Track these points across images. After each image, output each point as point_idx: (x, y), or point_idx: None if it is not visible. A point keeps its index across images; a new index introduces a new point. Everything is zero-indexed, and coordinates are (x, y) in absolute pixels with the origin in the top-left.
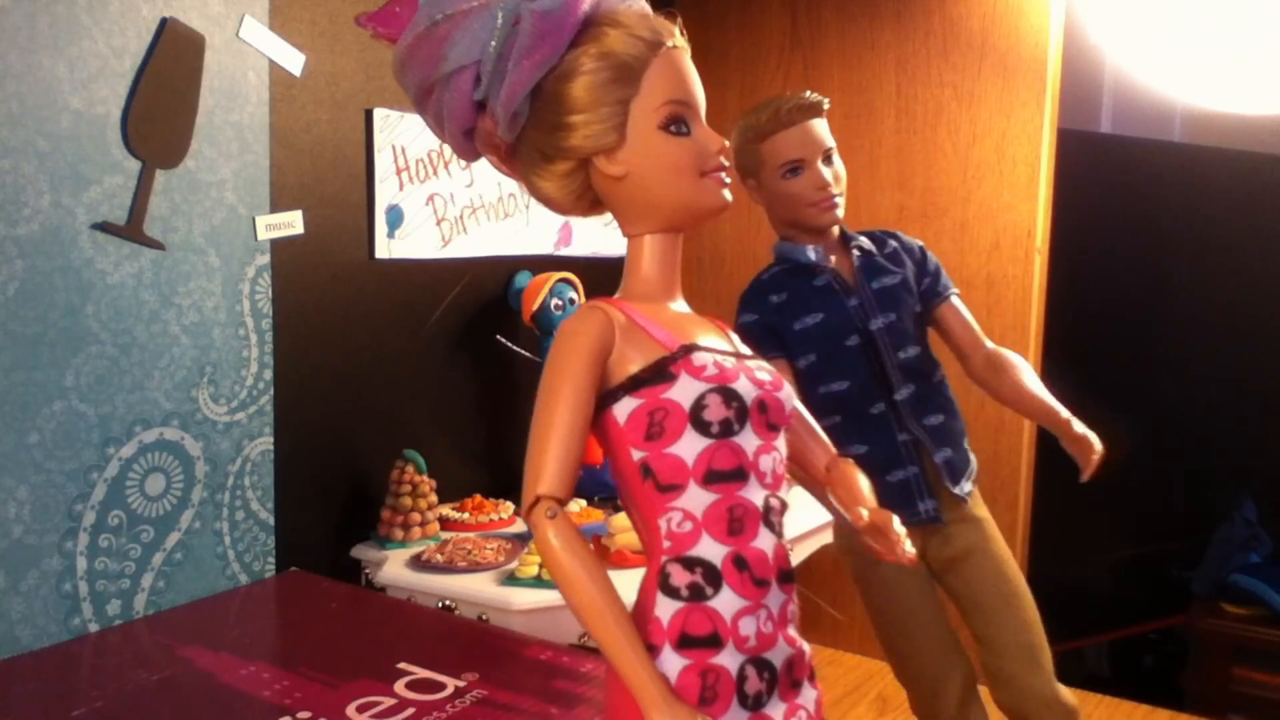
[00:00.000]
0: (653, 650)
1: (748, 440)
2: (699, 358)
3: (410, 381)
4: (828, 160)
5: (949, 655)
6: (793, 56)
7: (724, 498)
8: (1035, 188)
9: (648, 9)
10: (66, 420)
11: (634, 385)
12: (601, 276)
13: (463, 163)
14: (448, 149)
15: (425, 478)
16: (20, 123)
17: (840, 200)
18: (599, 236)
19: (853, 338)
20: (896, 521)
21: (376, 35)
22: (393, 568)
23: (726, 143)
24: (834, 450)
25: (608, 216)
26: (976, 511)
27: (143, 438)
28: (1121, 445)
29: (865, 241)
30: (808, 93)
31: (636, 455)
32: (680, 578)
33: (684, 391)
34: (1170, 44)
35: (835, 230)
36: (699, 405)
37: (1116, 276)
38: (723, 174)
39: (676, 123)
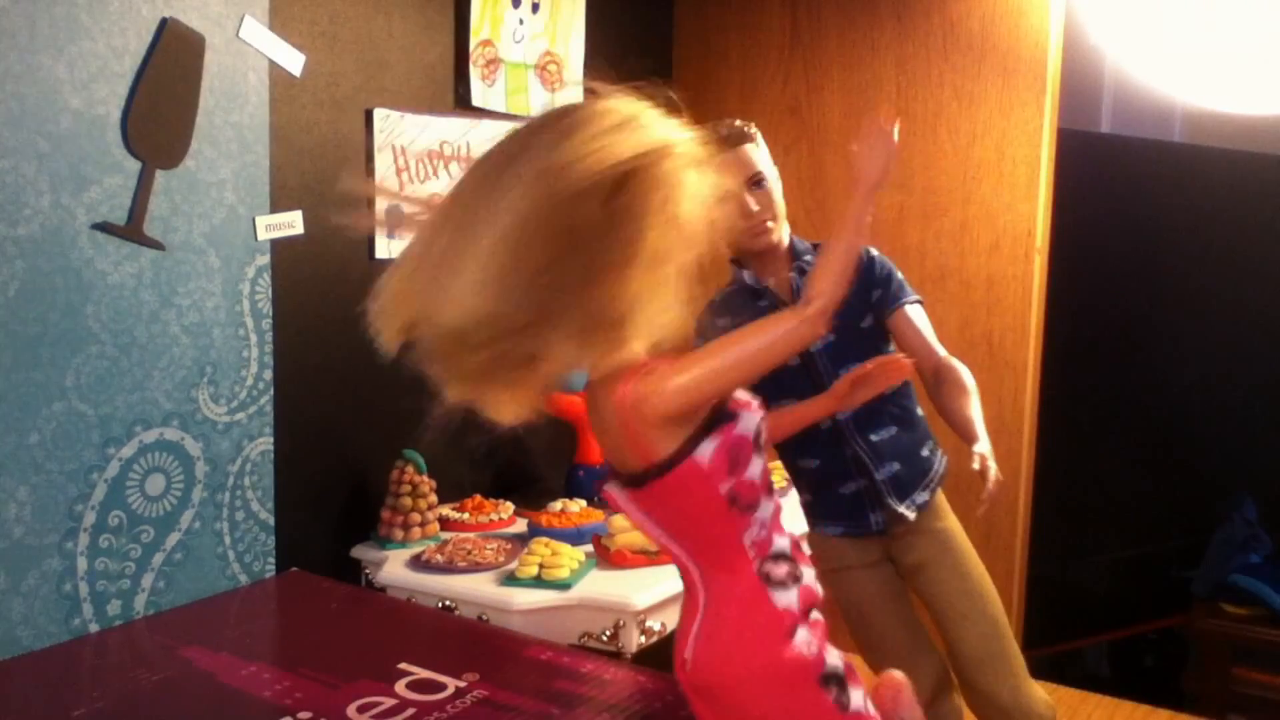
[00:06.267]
0: (792, 632)
1: None
2: (739, 393)
3: (410, 381)
4: (756, 185)
5: (916, 647)
6: (793, 56)
7: (772, 499)
8: (1035, 188)
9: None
10: (66, 420)
11: (710, 427)
12: None
13: (460, 163)
14: (447, 149)
15: (425, 478)
16: (20, 123)
17: (772, 225)
18: None
19: (793, 359)
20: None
21: None
22: (393, 568)
23: None
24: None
25: None
26: (934, 524)
27: (143, 438)
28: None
29: (811, 258)
30: (736, 121)
31: (724, 487)
32: (779, 571)
33: (747, 424)
34: (1170, 44)
35: (785, 244)
36: (759, 433)
37: (1116, 276)
38: None
39: None
